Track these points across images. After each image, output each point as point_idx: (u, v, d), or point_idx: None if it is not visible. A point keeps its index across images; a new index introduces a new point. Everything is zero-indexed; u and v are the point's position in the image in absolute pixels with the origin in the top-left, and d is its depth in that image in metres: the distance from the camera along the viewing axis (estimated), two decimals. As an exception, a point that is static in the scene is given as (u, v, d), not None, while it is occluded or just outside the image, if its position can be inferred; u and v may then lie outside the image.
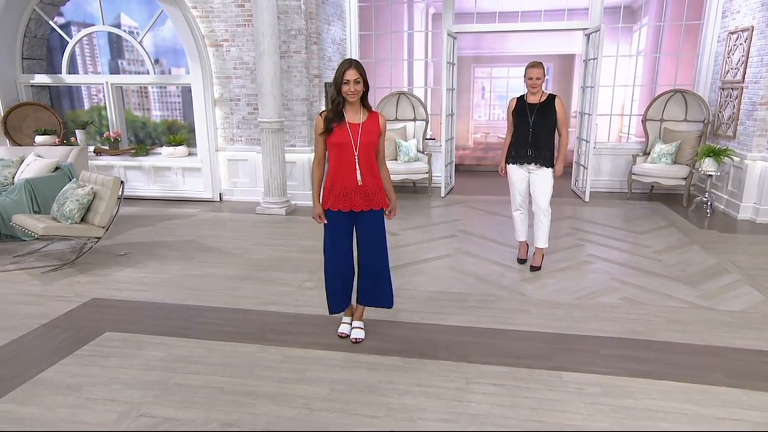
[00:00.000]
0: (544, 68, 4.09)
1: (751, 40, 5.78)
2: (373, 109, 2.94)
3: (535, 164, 4.19)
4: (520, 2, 7.46)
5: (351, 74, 2.73)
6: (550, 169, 4.19)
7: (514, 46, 11.94)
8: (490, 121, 14.74)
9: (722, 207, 6.28)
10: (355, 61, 2.80)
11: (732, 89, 6.20)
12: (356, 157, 2.81)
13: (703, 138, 6.60)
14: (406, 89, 8.24)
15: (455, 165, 8.21)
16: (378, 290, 3.11)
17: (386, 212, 3.02)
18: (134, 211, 6.52)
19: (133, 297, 3.82)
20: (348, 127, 2.81)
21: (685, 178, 6.48)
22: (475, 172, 9.54)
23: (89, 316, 3.49)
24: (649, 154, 6.96)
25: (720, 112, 6.50)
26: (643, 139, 7.30)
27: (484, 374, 2.75)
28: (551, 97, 4.14)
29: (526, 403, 2.50)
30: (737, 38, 6.10)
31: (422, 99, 8.23)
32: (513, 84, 14.13)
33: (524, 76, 4.11)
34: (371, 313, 3.34)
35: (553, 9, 7.77)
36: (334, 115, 2.81)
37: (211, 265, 4.50)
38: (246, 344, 3.08)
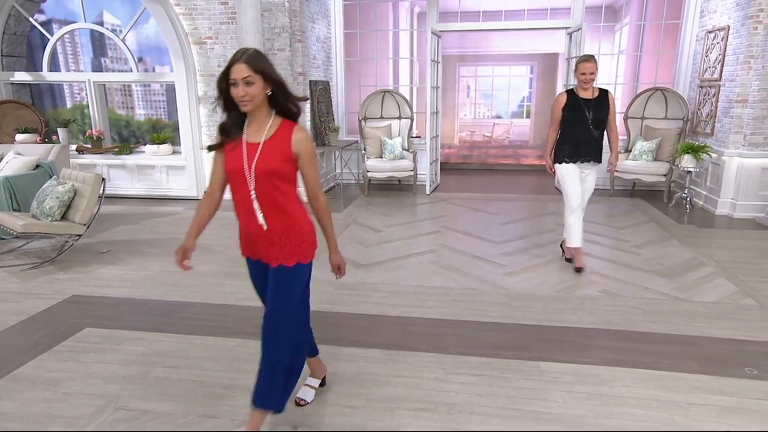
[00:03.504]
0: (596, 62, 3.89)
1: (727, 39, 5.90)
2: (299, 121, 2.04)
3: (592, 162, 4.09)
4: (504, 1, 7.52)
5: (238, 71, 1.88)
6: (598, 165, 4.14)
7: (498, 45, 12.04)
8: (475, 119, 14.85)
9: (701, 203, 6.39)
10: (251, 51, 1.93)
11: (710, 87, 6.31)
12: (252, 192, 1.98)
13: (683, 135, 6.72)
14: (391, 87, 8.27)
15: (441, 163, 8.26)
16: (265, 382, 2.10)
17: (331, 270, 2.26)
18: (117, 209, 6.46)
19: (113, 293, 3.80)
20: (244, 147, 1.97)
21: (665, 175, 6.59)
22: (460, 170, 9.60)
23: (68, 313, 3.47)
24: (630, 151, 7.06)
25: (699, 109, 6.62)
26: (625, 137, 7.40)
27: (463, 365, 2.78)
28: (604, 93, 4.00)
29: (503, 392, 2.54)
30: (714, 37, 6.22)
31: (408, 97, 8.27)
32: (498, 83, 14.29)
33: (575, 71, 3.94)
34: (349, 307, 3.35)
35: (536, 8, 7.84)
36: (230, 128, 2.00)
37: (193, 262, 4.43)
38: (227, 338, 3.08)
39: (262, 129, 1.99)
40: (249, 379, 2.63)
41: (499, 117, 14.87)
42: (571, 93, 4.03)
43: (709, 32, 6.35)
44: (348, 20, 7.80)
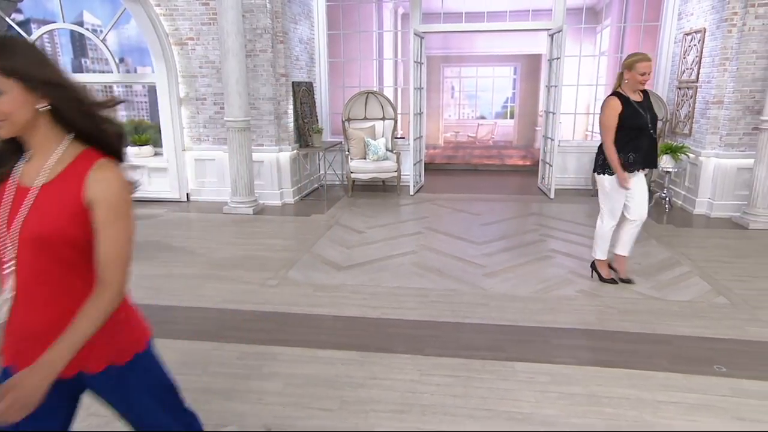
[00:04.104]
0: None
1: (703, 42, 6.00)
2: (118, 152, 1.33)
3: (650, 168, 3.85)
4: (487, 3, 7.57)
5: None
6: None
7: (482, 46, 12.12)
8: (459, 120, 14.96)
9: (680, 202, 6.49)
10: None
11: (687, 88, 6.41)
12: (10, 264, 1.24)
13: (662, 136, 6.81)
14: (375, 88, 8.28)
15: (426, 164, 8.29)
16: None
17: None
18: (97, 212, 6.39)
19: (90, 298, 3.75)
20: (10, 191, 1.24)
21: (645, 175, 6.64)
22: (445, 170, 9.64)
23: (43, 318, 3.42)
24: (611, 151, 7.14)
25: (677, 110, 6.72)
26: (606, 137, 7.49)
27: (439, 366, 2.80)
28: (647, 93, 3.73)
29: (477, 393, 2.56)
30: (691, 39, 6.32)
31: (392, 98, 8.29)
32: (481, 83, 14.40)
33: (629, 69, 3.54)
34: (328, 309, 3.35)
35: (519, 9, 7.91)
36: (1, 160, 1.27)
37: (174, 265, 4.45)
38: (203, 342, 3.07)
39: (42, 164, 1.23)
40: (223, 383, 2.64)
41: (483, 117, 15.00)
42: (621, 97, 3.59)
43: (687, 34, 6.45)
44: (331, 21, 7.80)
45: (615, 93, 3.64)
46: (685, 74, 6.50)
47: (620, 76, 3.68)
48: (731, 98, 5.69)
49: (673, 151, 6.09)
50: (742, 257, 4.58)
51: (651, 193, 6.67)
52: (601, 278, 4.04)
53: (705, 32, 5.97)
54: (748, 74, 5.56)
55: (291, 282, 4.03)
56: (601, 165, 3.79)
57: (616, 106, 3.58)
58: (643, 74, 3.53)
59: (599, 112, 3.77)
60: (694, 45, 6.23)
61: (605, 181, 3.80)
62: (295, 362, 2.85)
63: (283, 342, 3.08)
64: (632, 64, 3.53)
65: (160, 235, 5.39)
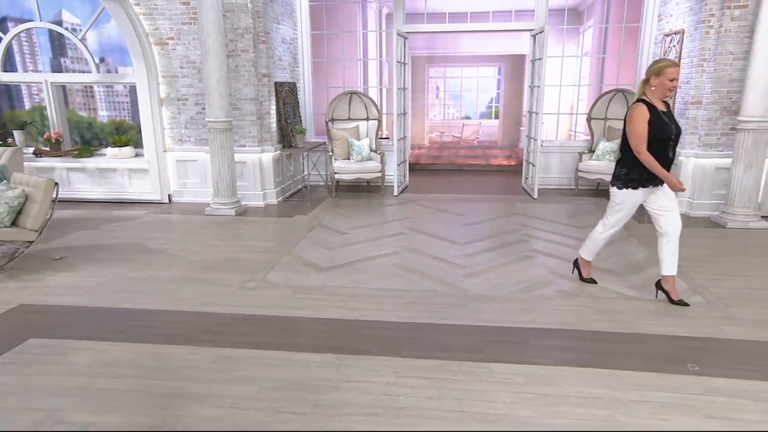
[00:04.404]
0: None
1: (682, 43, 6.06)
2: None
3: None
4: (470, 3, 7.59)
5: None
6: None
7: (466, 47, 12.15)
8: (444, 120, 14.99)
9: (660, 202, 6.55)
10: None
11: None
12: None
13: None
14: (359, 89, 8.26)
15: (411, 164, 8.29)
16: None
17: None
18: (76, 214, 6.30)
19: (63, 302, 3.69)
20: None
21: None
22: (430, 170, 9.64)
23: (13, 323, 3.36)
24: (594, 151, 7.20)
25: (657, 111, 6.79)
26: (588, 137, 7.55)
27: (415, 368, 2.79)
28: (667, 104, 3.52)
29: (453, 395, 2.55)
30: (671, 40, 6.39)
31: (376, 98, 8.27)
32: (466, 83, 14.44)
33: (657, 75, 3.32)
34: (307, 311, 3.33)
35: (502, 10, 7.94)
36: None
37: (152, 268, 4.39)
38: (178, 346, 3.03)
39: None
40: (197, 388, 2.60)
41: (468, 118, 15.05)
42: (648, 105, 3.36)
43: (666, 35, 6.52)
44: (315, 21, 7.77)
45: (640, 100, 3.41)
46: (664, 75, 6.57)
47: (645, 83, 3.42)
48: (709, 99, 5.76)
49: (653, 151, 6.15)
50: (719, 256, 4.64)
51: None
52: (581, 277, 4.07)
53: (684, 33, 6.04)
54: (726, 75, 5.64)
55: (270, 284, 4.00)
56: (620, 179, 3.59)
57: (645, 113, 3.32)
58: (672, 80, 3.31)
59: (624, 122, 3.49)
60: (674, 46, 6.29)
61: (617, 194, 3.64)
62: (271, 366, 2.82)
63: (259, 345, 3.05)
64: (661, 70, 3.30)
65: (140, 237, 5.32)
